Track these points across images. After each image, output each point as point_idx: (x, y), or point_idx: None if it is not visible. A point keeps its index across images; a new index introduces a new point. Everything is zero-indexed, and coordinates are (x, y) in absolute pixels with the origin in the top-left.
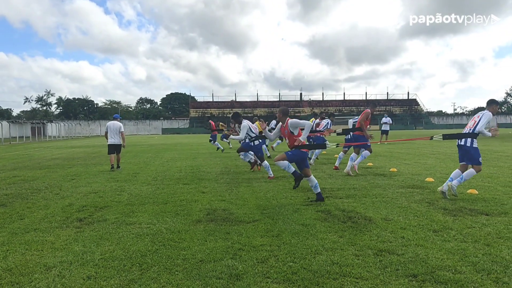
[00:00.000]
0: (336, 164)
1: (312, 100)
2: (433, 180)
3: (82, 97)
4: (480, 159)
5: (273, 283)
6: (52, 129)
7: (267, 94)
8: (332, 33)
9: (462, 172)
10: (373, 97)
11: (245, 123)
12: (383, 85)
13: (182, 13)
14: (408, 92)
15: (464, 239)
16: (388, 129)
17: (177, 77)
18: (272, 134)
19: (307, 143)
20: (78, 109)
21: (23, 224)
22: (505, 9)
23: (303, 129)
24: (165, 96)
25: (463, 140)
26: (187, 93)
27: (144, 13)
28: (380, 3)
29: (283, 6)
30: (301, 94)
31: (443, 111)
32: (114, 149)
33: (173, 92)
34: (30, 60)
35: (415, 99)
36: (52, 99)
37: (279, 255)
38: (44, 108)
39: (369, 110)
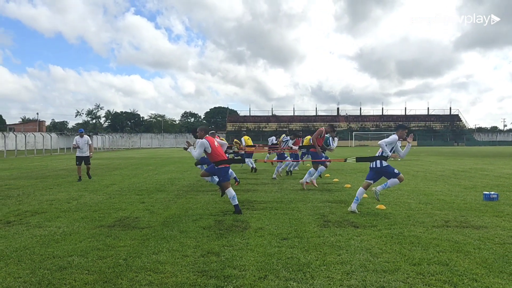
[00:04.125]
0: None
1: (349, 115)
2: (367, 196)
3: (129, 111)
4: (396, 170)
5: (84, 274)
6: (97, 141)
7: (317, 109)
8: (382, 45)
9: (365, 189)
10: (412, 113)
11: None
12: (437, 99)
13: (230, 26)
14: (450, 108)
15: (291, 246)
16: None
17: (224, 90)
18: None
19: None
20: (124, 122)
21: None
22: None
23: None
24: (208, 110)
25: (374, 163)
26: (235, 107)
27: (192, 27)
28: (433, 14)
29: (330, 19)
30: (338, 108)
31: (497, 128)
32: (82, 160)
33: (218, 106)
34: (85, 75)
35: (457, 115)
36: (101, 113)
37: (121, 254)
38: (94, 121)
39: (323, 129)
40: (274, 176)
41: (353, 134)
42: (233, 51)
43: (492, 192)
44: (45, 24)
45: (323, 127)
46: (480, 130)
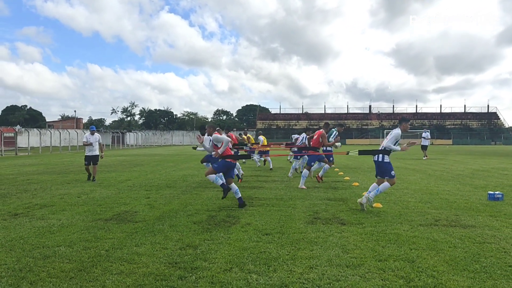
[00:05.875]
0: (320, 174)
1: (381, 113)
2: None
3: (163, 108)
4: (393, 172)
5: (64, 262)
6: (130, 138)
7: (350, 106)
8: (420, 40)
9: (379, 185)
10: (448, 110)
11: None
12: (478, 96)
13: (263, 23)
14: (488, 105)
15: (270, 241)
16: (427, 144)
17: (258, 88)
18: (209, 146)
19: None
20: (158, 120)
21: None
22: None
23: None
24: (240, 108)
25: (376, 156)
26: (268, 105)
27: (225, 25)
28: (475, 8)
29: (366, 14)
30: (370, 106)
31: None
32: (91, 160)
33: (250, 104)
34: (122, 73)
35: (495, 113)
36: (136, 110)
37: (105, 245)
38: (128, 118)
39: (323, 131)
40: (289, 174)
41: (385, 132)
42: (266, 48)
43: (497, 192)
44: (82, 24)
45: (322, 130)
46: None
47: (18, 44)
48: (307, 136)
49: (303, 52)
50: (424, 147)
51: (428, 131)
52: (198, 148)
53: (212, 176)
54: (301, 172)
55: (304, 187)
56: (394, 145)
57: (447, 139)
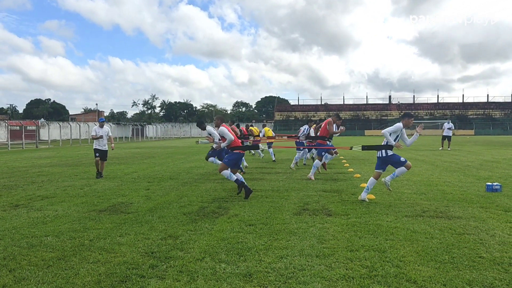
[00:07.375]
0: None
1: (401, 103)
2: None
3: (183, 101)
4: (402, 159)
5: (47, 251)
6: (150, 130)
7: (370, 97)
8: (444, 28)
9: (376, 179)
10: (470, 100)
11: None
12: (504, 85)
13: (282, 13)
14: None
15: (250, 231)
16: (451, 134)
17: (278, 79)
18: (219, 140)
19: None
20: (178, 112)
21: None
22: None
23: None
24: (259, 100)
25: (379, 152)
26: (289, 96)
27: (244, 16)
28: None
29: (387, 2)
30: (390, 97)
31: None
32: (100, 154)
33: (269, 95)
34: (143, 65)
35: None
36: (157, 103)
37: (90, 236)
38: (149, 111)
39: (331, 120)
40: (292, 165)
41: None
42: (286, 39)
43: (495, 183)
44: (103, 17)
45: (331, 118)
46: None
47: (41, 38)
48: (316, 126)
49: (323, 42)
50: (448, 138)
51: (450, 122)
52: (201, 141)
53: (226, 172)
54: (305, 163)
55: (313, 178)
56: (394, 140)
57: (469, 129)
